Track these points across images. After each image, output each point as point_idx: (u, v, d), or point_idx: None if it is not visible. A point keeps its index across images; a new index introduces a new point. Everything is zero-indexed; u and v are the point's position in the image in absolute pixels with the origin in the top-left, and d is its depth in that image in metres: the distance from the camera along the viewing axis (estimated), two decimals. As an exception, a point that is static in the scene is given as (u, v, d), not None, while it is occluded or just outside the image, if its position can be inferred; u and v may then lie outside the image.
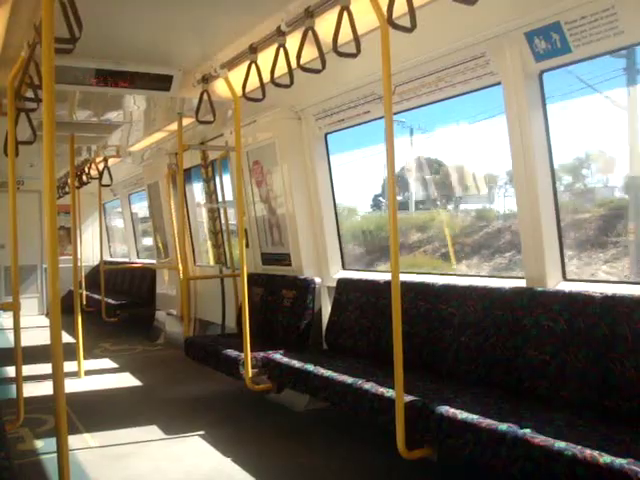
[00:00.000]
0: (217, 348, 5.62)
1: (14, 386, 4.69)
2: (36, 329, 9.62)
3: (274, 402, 5.66)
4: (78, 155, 8.56)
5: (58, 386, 2.82)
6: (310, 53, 3.67)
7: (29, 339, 8.54)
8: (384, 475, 4.08)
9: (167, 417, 5.44)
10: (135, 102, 5.87)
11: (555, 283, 4.02)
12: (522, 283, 4.18)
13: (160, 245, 10.13)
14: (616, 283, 3.89)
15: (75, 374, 7.13)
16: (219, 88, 5.11)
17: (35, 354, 6.77)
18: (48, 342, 2.93)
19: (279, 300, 6.14)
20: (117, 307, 10.44)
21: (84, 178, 9.18)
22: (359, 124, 5.53)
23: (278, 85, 3.99)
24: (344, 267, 6.13)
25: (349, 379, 4.16)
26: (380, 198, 10.31)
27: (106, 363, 8.10)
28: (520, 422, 3.03)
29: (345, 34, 3.36)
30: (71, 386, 6.57)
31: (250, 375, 5.09)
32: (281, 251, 6.44)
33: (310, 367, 4.60)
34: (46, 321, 11.28)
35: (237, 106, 4.95)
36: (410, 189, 9.99)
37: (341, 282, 5.71)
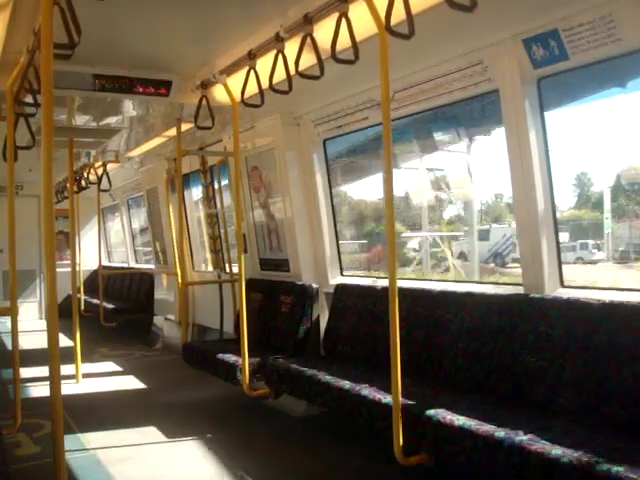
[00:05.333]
0: (215, 353, 5.61)
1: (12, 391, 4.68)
2: (35, 333, 9.60)
3: (272, 408, 5.65)
4: (77, 160, 8.55)
5: (55, 391, 2.82)
6: (309, 59, 3.67)
7: (28, 343, 8.56)
8: (381, 481, 4.08)
9: (164, 422, 5.43)
10: (134, 107, 5.87)
11: (553, 290, 4.02)
12: (520, 290, 4.18)
13: (159, 250, 10.13)
14: (615, 290, 3.88)
15: (73, 378, 7.12)
16: (218, 94, 5.12)
17: (33, 358, 6.76)
18: (46, 346, 2.94)
19: (277, 306, 6.14)
20: (115, 312, 10.43)
21: (83, 183, 9.18)
22: (357, 130, 5.54)
23: (277, 91, 3.99)
24: (342, 273, 6.13)
25: (346, 385, 4.15)
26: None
27: (104, 367, 8.10)
28: (517, 429, 3.03)
29: (344, 41, 3.37)
30: (68, 390, 6.57)
31: (248, 380, 5.08)
32: (279, 257, 6.45)
33: (308, 373, 4.60)
34: (45, 325, 11.27)
35: (236, 112, 4.96)
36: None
37: (339, 288, 5.70)
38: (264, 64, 4.08)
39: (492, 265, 15.36)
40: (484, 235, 15.58)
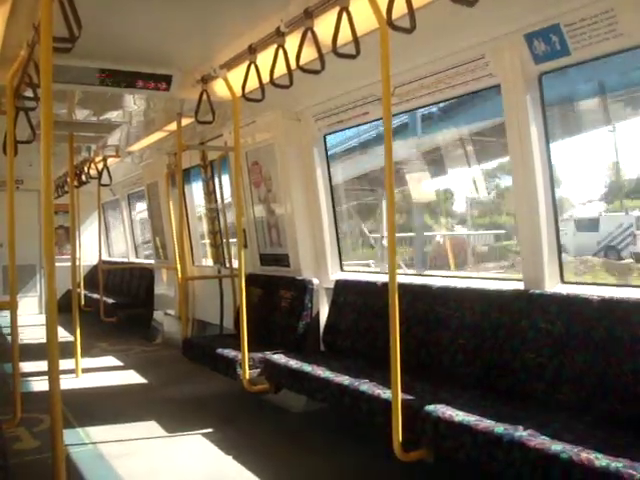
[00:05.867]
0: (215, 348, 5.61)
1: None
2: (36, 327, 9.61)
3: (272, 403, 5.65)
4: (77, 154, 8.54)
5: (54, 385, 2.82)
6: (309, 54, 3.67)
7: (29, 337, 8.57)
8: (380, 477, 4.08)
9: (164, 417, 5.44)
10: (134, 102, 5.86)
11: (553, 286, 4.01)
12: (520, 285, 4.18)
13: (159, 245, 10.13)
14: (614, 286, 3.88)
15: (72, 372, 7.13)
16: (218, 88, 5.11)
17: (34, 352, 6.77)
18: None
19: (277, 301, 6.14)
20: (115, 307, 10.43)
21: (83, 177, 9.17)
22: (358, 125, 5.54)
23: (277, 86, 3.99)
24: (342, 268, 6.13)
25: (346, 380, 4.16)
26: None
27: (103, 362, 8.10)
28: (517, 424, 3.03)
29: (344, 35, 3.36)
30: (68, 384, 6.57)
31: (248, 376, 5.08)
32: (279, 252, 6.44)
33: (307, 368, 4.60)
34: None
35: (236, 106, 4.95)
36: None
37: (339, 283, 5.70)
38: (265, 59, 4.07)
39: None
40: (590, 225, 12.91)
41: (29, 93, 4.20)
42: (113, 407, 5.88)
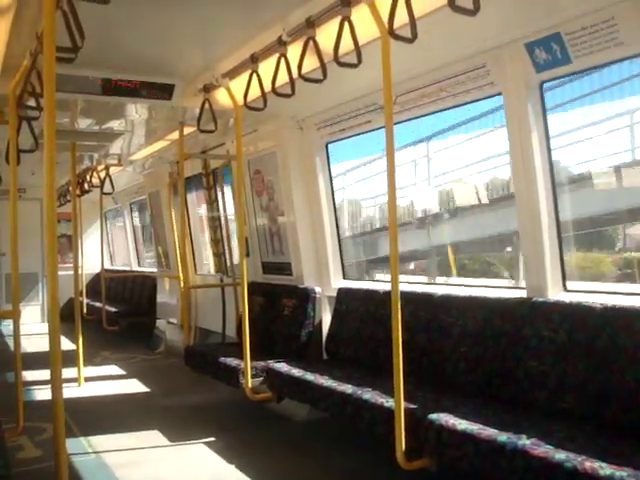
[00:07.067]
0: (217, 357, 5.61)
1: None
2: (38, 336, 9.61)
3: (274, 412, 5.64)
4: (80, 163, 8.56)
5: (56, 394, 2.82)
6: (311, 63, 3.68)
7: (31, 346, 8.57)
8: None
9: (167, 425, 5.43)
10: (137, 111, 5.88)
11: (556, 293, 4.01)
12: (523, 293, 4.17)
13: (161, 254, 10.13)
14: (617, 294, 3.87)
15: (75, 381, 7.12)
16: (221, 97, 5.12)
17: (36, 361, 6.76)
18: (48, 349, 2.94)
19: (279, 309, 6.13)
20: (118, 315, 10.42)
21: (85, 186, 9.19)
22: (360, 134, 5.54)
23: (279, 94, 4.00)
24: (344, 277, 6.13)
25: (349, 389, 4.15)
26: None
27: (106, 371, 8.09)
28: (520, 433, 3.02)
29: (346, 44, 3.37)
30: (70, 393, 6.56)
31: (250, 384, 5.07)
32: (282, 260, 6.44)
33: (310, 377, 4.59)
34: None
35: (238, 115, 4.96)
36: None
37: (341, 292, 5.70)
38: (267, 68, 4.09)
39: None
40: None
41: (32, 102, 4.22)
42: (115, 416, 5.88)
